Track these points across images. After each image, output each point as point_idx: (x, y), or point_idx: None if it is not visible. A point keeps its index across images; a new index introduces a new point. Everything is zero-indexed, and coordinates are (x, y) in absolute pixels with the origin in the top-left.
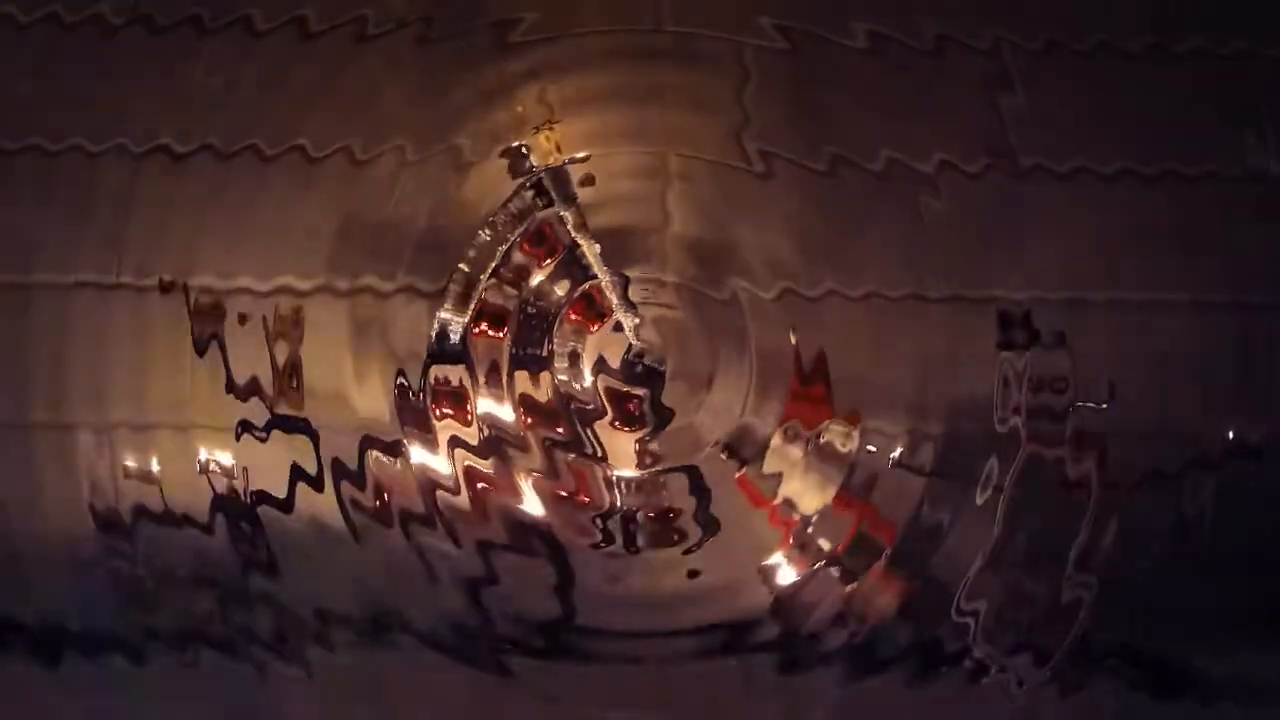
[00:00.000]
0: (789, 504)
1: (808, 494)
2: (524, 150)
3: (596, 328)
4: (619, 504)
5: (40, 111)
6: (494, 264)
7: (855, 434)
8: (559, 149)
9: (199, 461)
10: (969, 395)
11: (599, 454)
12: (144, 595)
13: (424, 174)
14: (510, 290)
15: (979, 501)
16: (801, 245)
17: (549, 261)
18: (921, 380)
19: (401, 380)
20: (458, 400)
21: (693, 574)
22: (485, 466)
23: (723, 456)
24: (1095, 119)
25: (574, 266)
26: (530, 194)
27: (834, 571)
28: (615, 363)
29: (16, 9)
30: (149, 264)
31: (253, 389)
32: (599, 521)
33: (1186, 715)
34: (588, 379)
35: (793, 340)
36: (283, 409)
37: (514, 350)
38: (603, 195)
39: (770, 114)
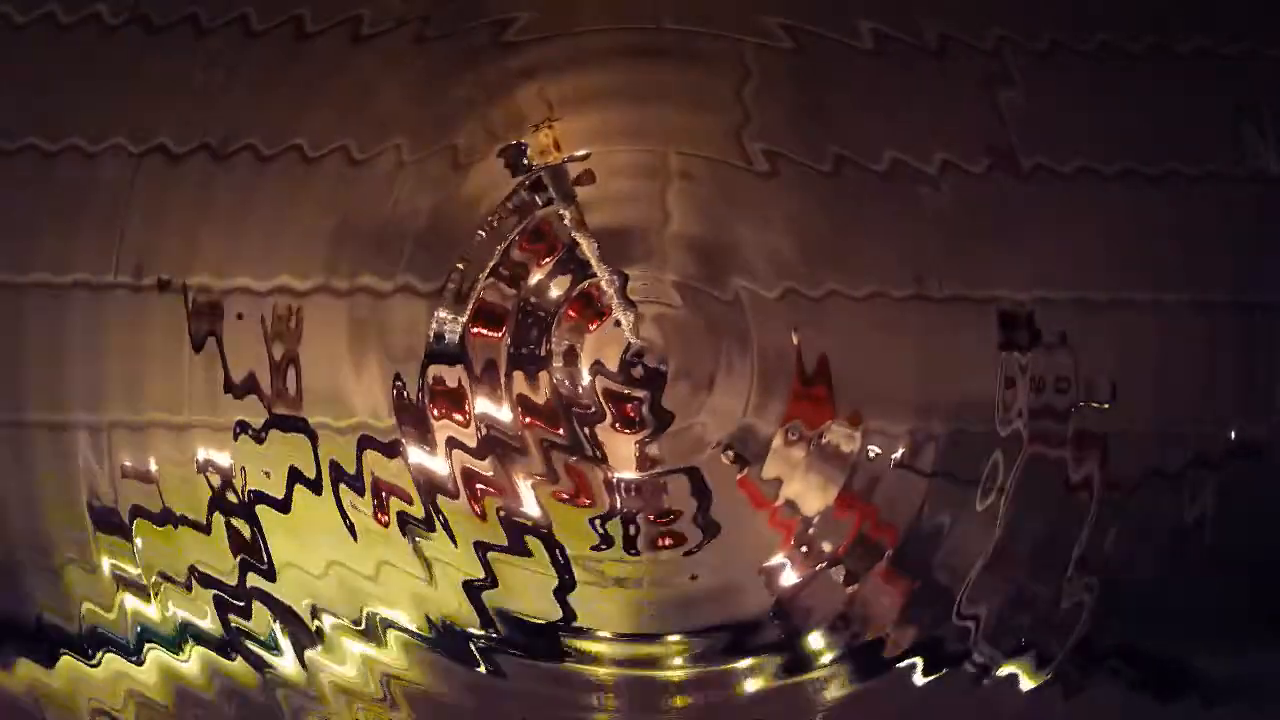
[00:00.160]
0: (791, 505)
1: (809, 495)
2: (523, 148)
3: (595, 326)
4: (619, 506)
5: (38, 111)
6: (492, 263)
7: (857, 435)
8: (558, 147)
9: (197, 461)
10: (971, 396)
11: (598, 456)
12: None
13: (422, 173)
14: (508, 289)
15: (980, 502)
16: (803, 245)
17: (548, 260)
18: (924, 381)
19: (399, 380)
20: (455, 400)
21: (693, 576)
22: (483, 467)
23: (724, 458)
24: (1097, 119)
25: (573, 265)
26: (529, 192)
27: (836, 573)
28: (614, 362)
29: (13, 9)
30: (147, 264)
31: (250, 388)
32: (599, 523)
33: (1187, 716)
34: (586, 379)
35: (795, 341)
36: (280, 409)
37: (512, 349)
38: (602, 193)
39: (771, 113)
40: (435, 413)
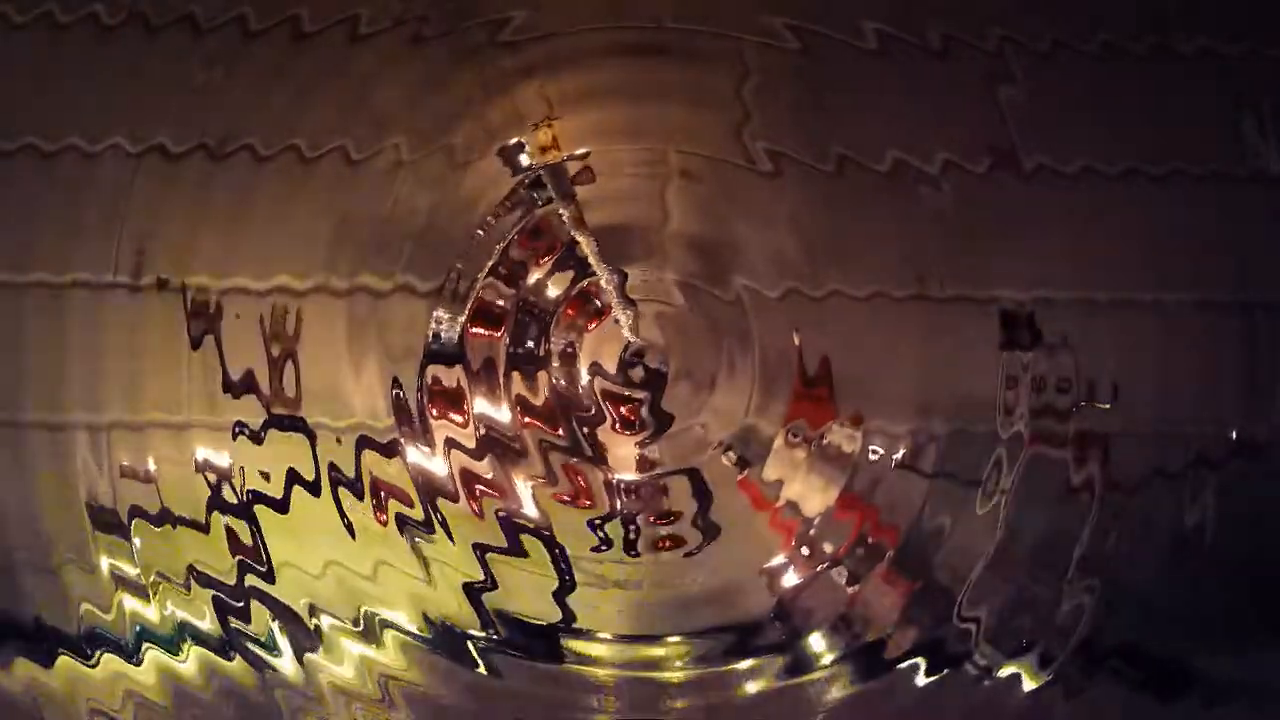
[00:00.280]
0: (792, 506)
1: (811, 496)
2: (522, 147)
3: (594, 325)
4: (619, 507)
5: (36, 111)
6: (491, 262)
7: (859, 435)
8: (557, 145)
9: (195, 461)
10: (972, 396)
11: (598, 457)
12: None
13: (420, 172)
14: (507, 289)
15: (982, 503)
16: (805, 245)
17: (547, 259)
18: (925, 381)
19: (398, 380)
20: (454, 400)
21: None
22: (482, 468)
23: (725, 459)
24: (1099, 119)
25: (572, 263)
26: (528, 191)
27: (837, 574)
28: (613, 362)
29: (12, 9)
30: (145, 263)
31: (249, 388)
32: (599, 525)
33: (1188, 716)
34: (584, 379)
35: (796, 341)
36: (279, 408)
37: (510, 349)
38: (601, 191)
39: (772, 111)
40: (434, 413)
